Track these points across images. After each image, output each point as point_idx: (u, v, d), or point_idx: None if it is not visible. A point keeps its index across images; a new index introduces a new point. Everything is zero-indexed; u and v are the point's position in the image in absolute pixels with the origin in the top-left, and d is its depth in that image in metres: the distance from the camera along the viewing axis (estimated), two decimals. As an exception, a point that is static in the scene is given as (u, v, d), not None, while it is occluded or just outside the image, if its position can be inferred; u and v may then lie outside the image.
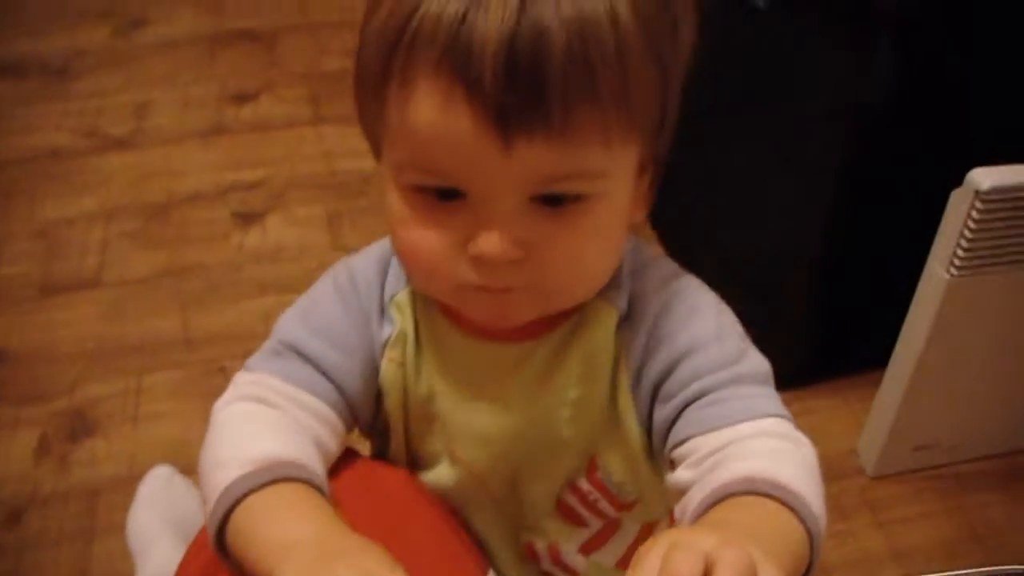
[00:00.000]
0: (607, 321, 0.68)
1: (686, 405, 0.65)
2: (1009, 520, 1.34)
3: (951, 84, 1.18)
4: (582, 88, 0.55)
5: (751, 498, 0.57)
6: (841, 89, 1.20)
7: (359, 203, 1.82)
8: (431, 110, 0.56)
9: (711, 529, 0.53)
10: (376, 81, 0.59)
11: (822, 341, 1.43)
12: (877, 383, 1.33)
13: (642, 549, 0.47)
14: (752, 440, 0.62)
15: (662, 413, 0.67)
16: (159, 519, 1.13)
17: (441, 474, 0.75)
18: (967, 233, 1.10)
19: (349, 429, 0.73)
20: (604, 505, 0.75)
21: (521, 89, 0.54)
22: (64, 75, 2.13)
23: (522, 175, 0.57)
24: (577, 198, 0.59)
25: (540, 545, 0.78)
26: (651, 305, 0.69)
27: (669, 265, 0.73)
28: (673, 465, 0.66)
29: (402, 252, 0.65)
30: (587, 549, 0.78)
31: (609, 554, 0.79)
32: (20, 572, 1.23)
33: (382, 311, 0.72)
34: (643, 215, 0.69)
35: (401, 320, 0.71)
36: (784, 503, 0.57)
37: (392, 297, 0.72)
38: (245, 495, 0.60)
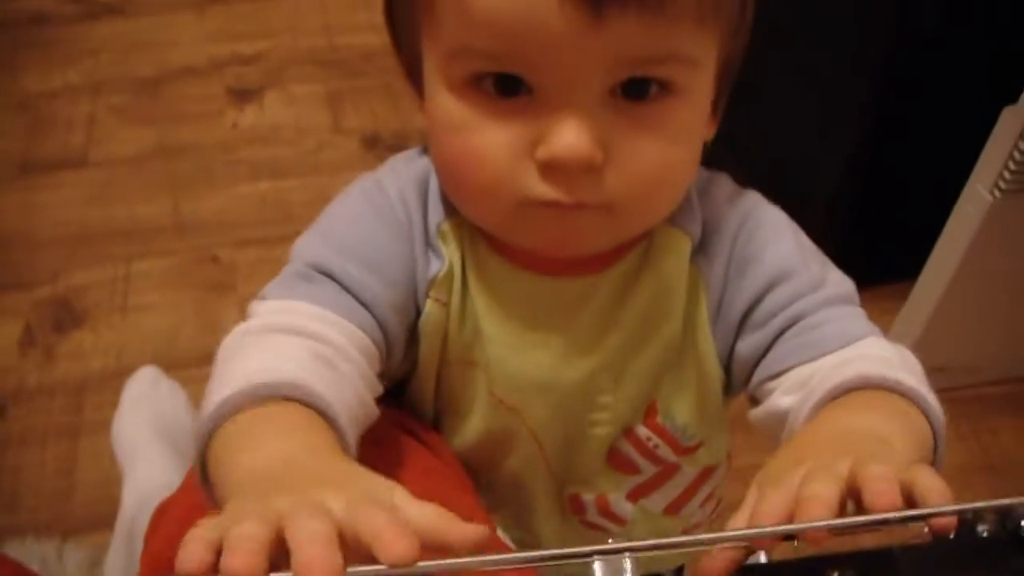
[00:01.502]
0: (680, 250, 0.61)
1: (779, 334, 0.60)
2: (1022, 447, 1.29)
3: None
4: None
5: (869, 392, 0.53)
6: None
7: (361, 82, 1.72)
8: None
9: (839, 442, 0.47)
10: None
11: (845, 253, 1.37)
12: (899, 298, 1.27)
13: (771, 473, 0.44)
14: (855, 357, 0.57)
15: (750, 343, 0.61)
16: (145, 426, 1.08)
17: (476, 426, 0.67)
18: (1016, 155, 1.02)
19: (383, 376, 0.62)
20: (663, 451, 0.68)
21: None
22: (50, -68, 2.00)
23: (608, 56, 0.49)
24: (664, 89, 0.52)
25: (587, 496, 0.71)
26: (725, 229, 0.62)
27: (729, 181, 0.66)
28: (757, 399, 0.61)
29: (454, 164, 0.55)
30: (636, 495, 0.72)
31: (659, 499, 0.73)
32: (4, 471, 1.19)
33: (427, 242, 0.62)
34: (712, 133, 0.61)
35: (448, 254, 0.61)
36: (903, 395, 0.53)
37: (438, 226, 0.61)
38: (222, 420, 0.49)
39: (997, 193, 1.05)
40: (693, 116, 0.55)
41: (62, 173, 1.56)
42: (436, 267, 0.61)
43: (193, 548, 0.35)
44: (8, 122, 1.63)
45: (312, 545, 0.35)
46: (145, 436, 1.08)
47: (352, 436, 0.52)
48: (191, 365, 1.25)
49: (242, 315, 0.58)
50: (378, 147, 1.60)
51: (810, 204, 1.34)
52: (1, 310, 1.36)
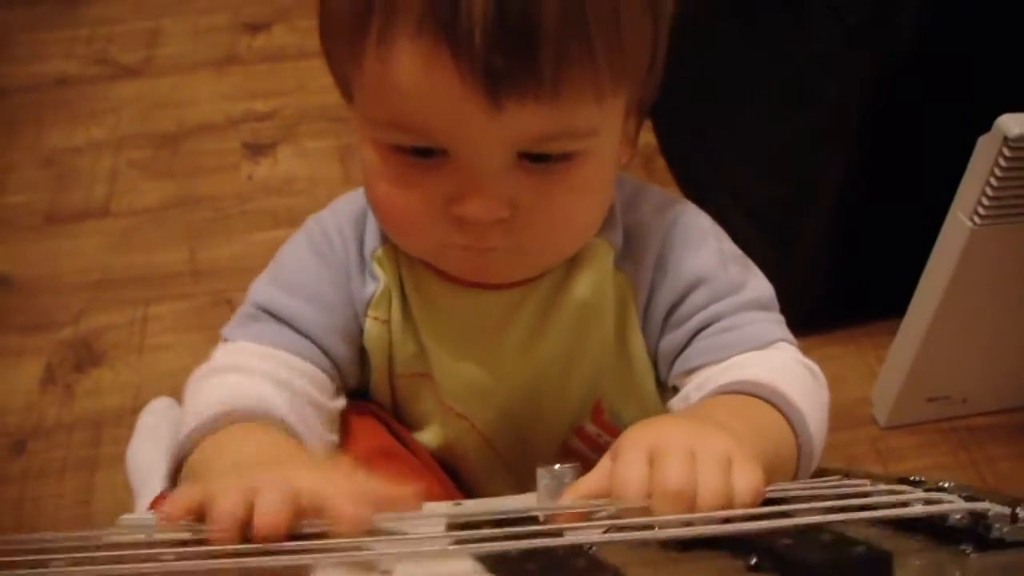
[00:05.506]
0: (603, 259, 0.66)
1: (695, 333, 0.66)
2: (1019, 475, 1.31)
3: (982, 22, 1.14)
4: (576, 47, 0.52)
5: (740, 396, 0.58)
6: (865, 23, 1.15)
7: (371, 137, 1.79)
8: (413, 71, 0.52)
9: (685, 422, 0.52)
10: (350, 33, 0.55)
11: (838, 288, 1.40)
12: (892, 331, 1.30)
13: (620, 443, 0.48)
14: (753, 363, 0.63)
15: (670, 340, 0.67)
16: (157, 452, 1.13)
17: (435, 434, 0.73)
18: (993, 181, 1.06)
19: (340, 391, 0.70)
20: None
21: (512, 50, 0.50)
22: (75, 1, 2.10)
23: (510, 135, 0.54)
24: (565, 156, 0.57)
25: None
26: (652, 236, 0.67)
27: (659, 192, 0.71)
28: (675, 391, 0.67)
29: (377, 208, 0.62)
30: None
31: None
32: (24, 501, 1.22)
33: (363, 268, 0.69)
34: (629, 156, 0.66)
35: (384, 276, 0.68)
36: (774, 405, 0.57)
37: (373, 252, 0.68)
38: (192, 447, 0.58)
39: (977, 220, 1.09)
40: (597, 168, 0.59)
41: (85, 223, 1.62)
42: (372, 288, 0.68)
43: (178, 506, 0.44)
44: (35, 176, 1.70)
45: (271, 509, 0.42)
46: (157, 461, 1.11)
47: (308, 436, 0.61)
48: (205, 400, 1.29)
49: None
50: (387, 196, 1.65)
51: (802, 245, 1.38)
52: (25, 350, 1.41)
